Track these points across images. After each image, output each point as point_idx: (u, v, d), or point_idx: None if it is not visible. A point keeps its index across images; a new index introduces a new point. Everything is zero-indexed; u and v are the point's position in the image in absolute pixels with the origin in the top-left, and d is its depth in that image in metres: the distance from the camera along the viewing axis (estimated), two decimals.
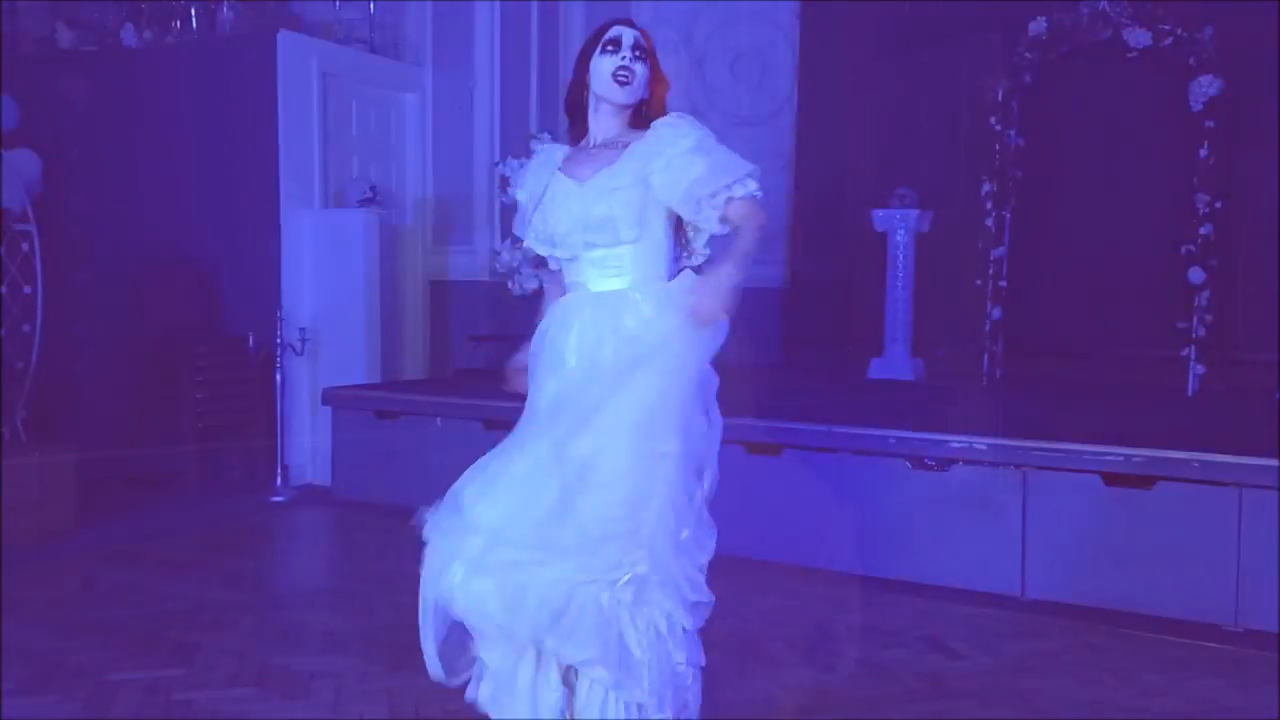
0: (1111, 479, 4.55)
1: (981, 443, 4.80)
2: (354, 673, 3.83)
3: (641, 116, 2.85)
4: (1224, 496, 4.36)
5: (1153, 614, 4.45)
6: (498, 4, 8.04)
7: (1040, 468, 4.69)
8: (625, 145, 2.81)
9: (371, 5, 7.89)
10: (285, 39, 7.00)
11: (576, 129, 2.92)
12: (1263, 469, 4.30)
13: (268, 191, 6.97)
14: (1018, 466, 4.72)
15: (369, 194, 7.28)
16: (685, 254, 2.90)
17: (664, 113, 2.84)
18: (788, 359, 8.35)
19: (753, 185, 2.74)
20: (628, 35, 2.81)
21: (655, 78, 2.86)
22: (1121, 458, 4.54)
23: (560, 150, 2.94)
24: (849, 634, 4.23)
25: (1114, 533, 4.55)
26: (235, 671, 3.84)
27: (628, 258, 2.77)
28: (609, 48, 2.80)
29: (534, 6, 8.24)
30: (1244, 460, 4.35)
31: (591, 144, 2.86)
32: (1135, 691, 3.76)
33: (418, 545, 2.74)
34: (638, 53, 2.80)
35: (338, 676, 3.79)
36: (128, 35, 7.48)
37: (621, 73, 2.78)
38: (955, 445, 4.83)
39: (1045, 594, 4.68)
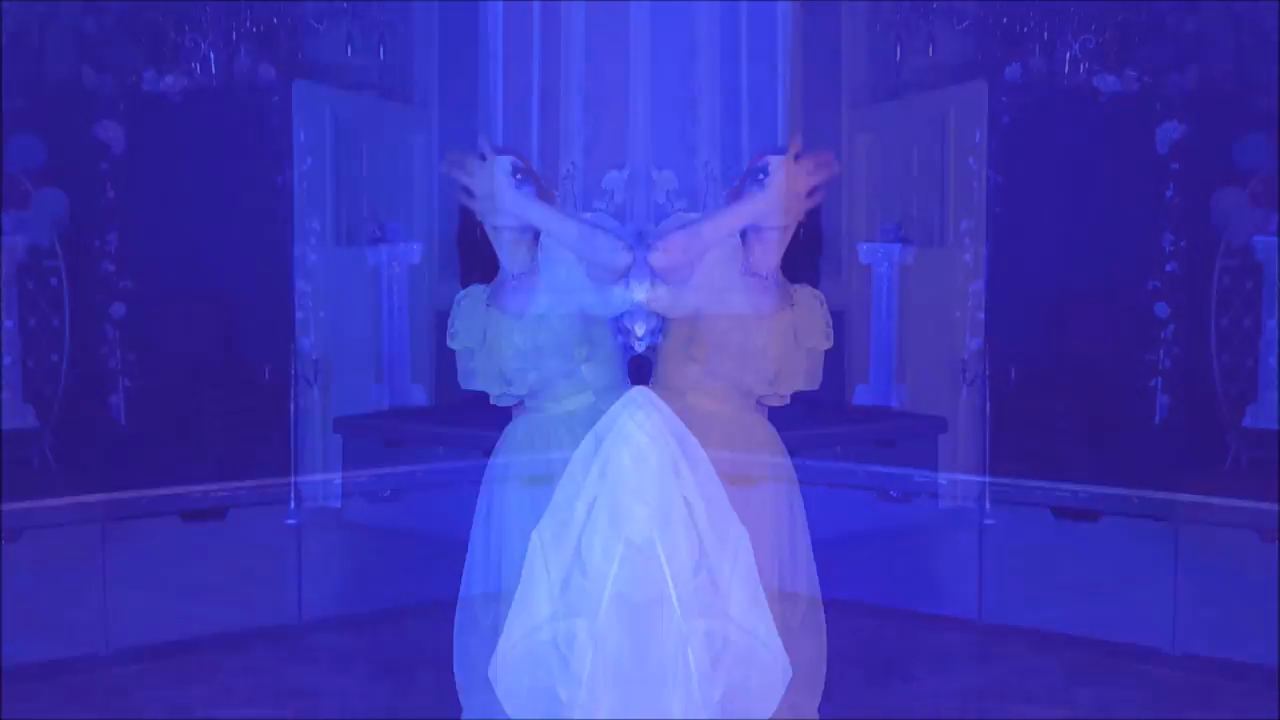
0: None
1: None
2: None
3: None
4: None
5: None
6: (500, 47, 8.38)
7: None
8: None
9: (381, 51, 8.26)
10: (300, 88, 7.39)
11: None
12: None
13: (283, 231, 7.34)
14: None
15: (378, 233, 7.67)
16: None
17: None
18: None
19: None
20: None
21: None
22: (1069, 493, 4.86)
23: None
24: None
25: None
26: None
27: None
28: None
29: (535, 48, 8.57)
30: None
31: None
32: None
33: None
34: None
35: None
36: (149, 79, 7.84)
37: None
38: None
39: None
